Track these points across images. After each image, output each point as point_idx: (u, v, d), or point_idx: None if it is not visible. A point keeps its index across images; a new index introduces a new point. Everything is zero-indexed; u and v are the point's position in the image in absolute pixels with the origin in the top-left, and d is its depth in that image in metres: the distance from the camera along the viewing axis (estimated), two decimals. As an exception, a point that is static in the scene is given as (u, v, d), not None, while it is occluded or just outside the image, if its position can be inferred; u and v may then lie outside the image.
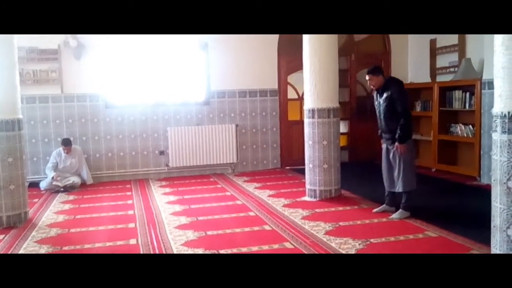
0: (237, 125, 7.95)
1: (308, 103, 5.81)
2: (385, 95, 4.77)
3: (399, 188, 4.82)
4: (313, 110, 5.74)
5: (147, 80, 7.67)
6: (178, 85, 7.82)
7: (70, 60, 7.25)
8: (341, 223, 4.71)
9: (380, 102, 4.84)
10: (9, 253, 4.15)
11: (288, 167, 8.09)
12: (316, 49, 5.69)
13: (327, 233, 4.43)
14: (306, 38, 5.75)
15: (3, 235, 4.65)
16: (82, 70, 7.30)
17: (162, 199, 6.12)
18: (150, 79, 7.68)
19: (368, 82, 4.92)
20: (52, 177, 6.68)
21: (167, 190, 6.70)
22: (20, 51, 6.53)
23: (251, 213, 5.27)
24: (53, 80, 7.22)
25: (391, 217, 4.84)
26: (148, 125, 7.66)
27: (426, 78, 7.91)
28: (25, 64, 6.97)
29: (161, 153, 7.71)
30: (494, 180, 3.08)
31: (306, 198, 5.80)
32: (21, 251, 4.19)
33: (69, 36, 7.09)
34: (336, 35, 5.81)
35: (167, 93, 7.76)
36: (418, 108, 7.71)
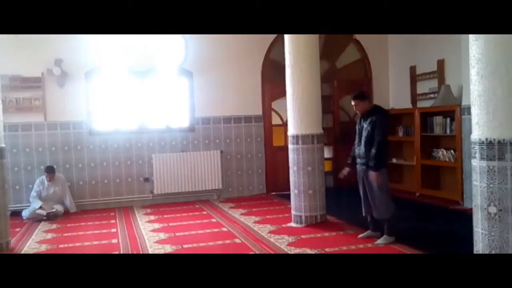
0: (222, 151, 7.97)
1: (292, 129, 5.86)
2: (369, 119, 4.83)
3: (378, 215, 4.86)
4: (297, 136, 5.80)
5: (131, 107, 7.68)
6: (163, 111, 7.85)
7: (53, 88, 7.24)
8: (327, 249, 4.71)
9: (363, 126, 4.90)
10: None
11: (273, 193, 8.10)
12: (299, 76, 5.77)
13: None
14: (288, 64, 5.84)
15: (-18, 267, 4.54)
16: (66, 98, 7.29)
17: (146, 227, 6.05)
18: (134, 105, 7.69)
19: (354, 107, 4.99)
20: (40, 206, 6.58)
21: (152, 217, 6.64)
22: (3, 79, 6.53)
23: (237, 240, 5.24)
24: (36, 108, 7.19)
25: (376, 242, 4.86)
26: (132, 152, 7.64)
27: (407, 104, 8.07)
28: (8, 92, 6.93)
29: (146, 180, 7.67)
30: (475, 206, 3.14)
31: (292, 224, 5.80)
32: (2, 283, 4.09)
33: (52, 64, 7.11)
34: (318, 62, 5.93)
35: (151, 119, 7.78)
36: (400, 133, 7.84)
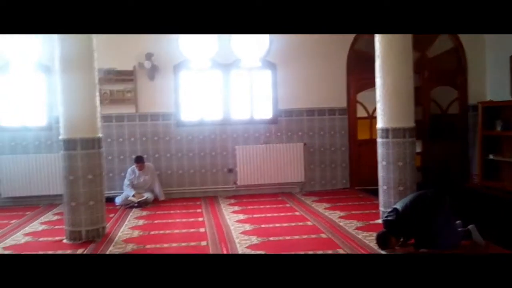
0: (305, 144, 7.87)
1: (381, 122, 5.62)
2: None
3: None
4: (386, 130, 5.54)
5: (216, 99, 7.81)
6: (246, 104, 7.89)
7: (144, 81, 7.54)
8: (422, 250, 4.46)
9: None
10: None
11: (357, 188, 7.87)
12: (390, 66, 5.50)
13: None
14: (378, 54, 5.60)
15: (82, 249, 4.84)
16: (156, 90, 7.56)
17: (231, 217, 6.13)
18: (219, 98, 7.80)
19: None
20: (133, 195, 6.92)
21: (236, 208, 6.71)
22: (99, 73, 6.86)
23: (323, 235, 5.14)
24: (128, 100, 7.53)
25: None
26: (217, 143, 7.77)
27: (507, 96, 7.46)
28: (103, 85, 7.31)
29: (230, 171, 7.78)
30: None
31: (380, 221, 5.57)
32: (100, 266, 4.31)
33: (144, 58, 7.39)
34: (411, 51, 5.61)
35: (235, 111, 7.86)
36: (498, 128, 7.27)
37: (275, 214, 6.25)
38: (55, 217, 6.41)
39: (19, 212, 6.79)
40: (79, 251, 4.77)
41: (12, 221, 6.22)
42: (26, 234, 5.56)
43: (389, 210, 4.70)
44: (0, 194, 7.22)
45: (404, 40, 5.50)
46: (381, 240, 4.51)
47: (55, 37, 5.17)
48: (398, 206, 4.56)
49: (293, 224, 5.69)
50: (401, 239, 4.55)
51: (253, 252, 4.57)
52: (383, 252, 4.44)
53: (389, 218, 4.50)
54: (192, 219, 6.08)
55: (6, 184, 7.21)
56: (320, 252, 4.53)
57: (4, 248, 4.98)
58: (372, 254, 4.39)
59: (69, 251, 4.82)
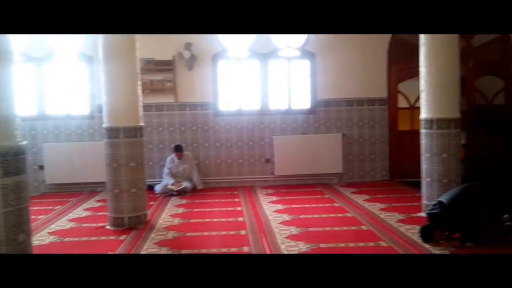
0: (343, 135, 7.76)
1: (425, 113, 5.47)
2: None
3: None
4: (431, 120, 5.39)
5: (254, 88, 7.79)
6: (284, 93, 7.84)
7: (183, 70, 7.59)
8: (468, 244, 4.33)
9: None
10: (131, 253, 4.38)
11: (398, 180, 7.72)
12: (435, 55, 5.35)
13: (453, 252, 4.10)
14: (423, 42, 5.43)
15: (125, 236, 4.94)
16: (194, 80, 7.61)
17: (269, 207, 6.12)
18: (257, 87, 7.78)
19: None
20: (172, 183, 7.02)
21: (274, 198, 6.70)
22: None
23: (364, 227, 5.06)
24: (168, 90, 7.60)
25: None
26: (254, 133, 7.77)
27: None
28: (143, 75, 7.36)
29: (267, 161, 7.76)
30: None
31: (423, 214, 5.44)
32: (143, 252, 4.40)
33: (183, 48, 7.44)
34: (457, 39, 5.43)
35: (273, 101, 7.82)
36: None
37: (314, 205, 6.20)
38: (98, 204, 6.58)
39: (63, 198, 7.00)
40: (122, 237, 4.87)
41: (56, 207, 6.42)
42: (71, 220, 5.73)
43: (434, 203, 4.59)
44: (45, 181, 7.46)
45: (450, 28, 5.31)
46: (425, 234, 4.40)
47: (99, 27, 5.24)
48: (444, 199, 4.43)
49: (332, 215, 5.64)
50: (446, 233, 4.43)
51: (292, 242, 4.54)
52: (426, 245, 4.33)
53: (434, 211, 4.39)
54: (230, 208, 6.11)
55: (50, 171, 7.44)
56: (361, 244, 4.47)
57: (49, 233, 5.14)
58: (427, 254, 4.29)
59: (112, 237, 4.93)
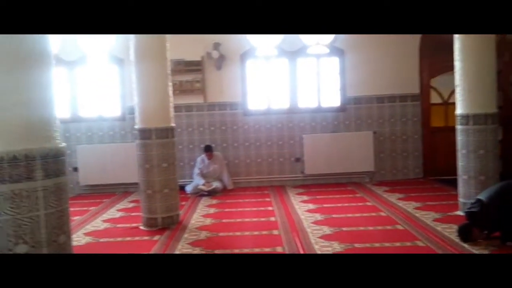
0: (374, 132, 7.64)
1: (461, 108, 5.32)
2: None
3: None
4: (467, 116, 5.24)
5: (283, 87, 7.75)
6: (313, 91, 7.77)
7: (212, 70, 7.62)
8: (508, 243, 4.19)
9: None
10: (166, 253, 4.40)
11: (432, 178, 7.54)
12: (470, 48, 5.21)
13: (493, 252, 3.97)
14: (457, 36, 5.29)
15: (158, 236, 4.98)
16: (223, 80, 7.62)
17: (301, 206, 6.07)
18: (286, 86, 7.74)
19: None
20: (203, 184, 7.05)
21: (305, 197, 6.65)
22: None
23: (399, 227, 4.96)
24: (197, 90, 7.64)
25: None
26: (284, 132, 7.73)
27: None
28: (173, 75, 7.40)
29: (297, 160, 7.71)
30: None
31: (459, 213, 5.30)
32: (177, 253, 4.42)
33: (211, 48, 7.46)
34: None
35: (302, 99, 7.76)
36: None
37: (346, 204, 6.12)
38: (131, 205, 6.66)
39: (96, 199, 7.12)
40: (156, 238, 4.91)
41: (91, 208, 6.53)
42: (105, 221, 5.81)
43: (472, 201, 4.45)
44: (79, 182, 7.60)
45: (486, 20, 5.15)
46: (464, 233, 4.28)
47: (130, 30, 5.30)
48: (482, 196, 4.29)
49: (365, 214, 5.55)
50: (485, 232, 4.29)
51: (326, 242, 4.49)
52: (465, 245, 4.21)
53: (473, 209, 4.26)
54: (262, 208, 6.09)
55: (83, 172, 7.58)
56: (398, 244, 4.38)
57: (85, 234, 5.22)
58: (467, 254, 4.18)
59: (146, 238, 4.97)
